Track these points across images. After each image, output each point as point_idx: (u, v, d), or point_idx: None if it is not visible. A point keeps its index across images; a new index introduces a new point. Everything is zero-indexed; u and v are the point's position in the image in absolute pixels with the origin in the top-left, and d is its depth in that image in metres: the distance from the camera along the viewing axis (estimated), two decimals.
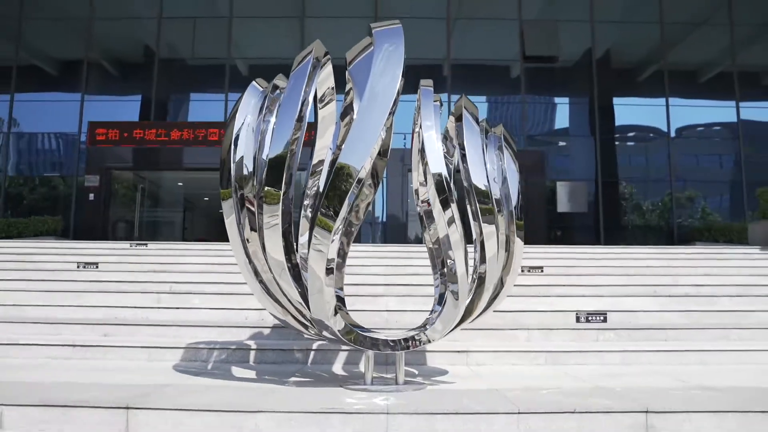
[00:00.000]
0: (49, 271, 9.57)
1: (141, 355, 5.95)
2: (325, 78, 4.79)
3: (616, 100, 19.95)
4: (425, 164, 4.22)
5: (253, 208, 4.26)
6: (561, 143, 19.75)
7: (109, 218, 18.00)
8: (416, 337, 4.48)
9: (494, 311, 6.15)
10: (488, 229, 4.19)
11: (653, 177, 19.49)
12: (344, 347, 5.32)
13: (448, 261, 4.27)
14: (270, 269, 4.27)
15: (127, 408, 3.79)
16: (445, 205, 4.03)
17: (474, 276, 4.44)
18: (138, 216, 18.51)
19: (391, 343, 4.45)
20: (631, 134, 19.96)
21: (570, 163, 19.57)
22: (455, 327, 4.54)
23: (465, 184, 4.23)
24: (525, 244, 11.35)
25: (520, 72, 19.14)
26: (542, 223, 17.79)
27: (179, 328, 6.66)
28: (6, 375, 4.98)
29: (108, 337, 6.48)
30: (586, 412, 3.81)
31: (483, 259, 4.31)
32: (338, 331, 4.32)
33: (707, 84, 20.13)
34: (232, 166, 4.32)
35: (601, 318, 7.21)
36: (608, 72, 19.72)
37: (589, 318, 7.19)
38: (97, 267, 10.01)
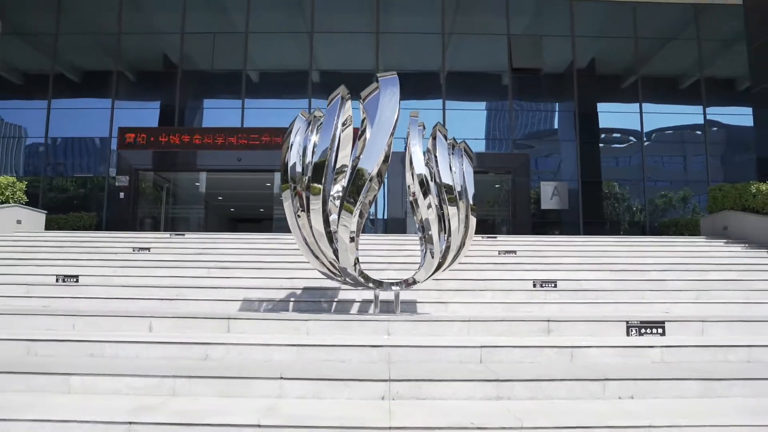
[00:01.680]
0: (112, 254, 12.12)
1: (215, 306, 8.48)
2: (347, 110, 7.32)
3: (595, 107, 22.48)
4: (411, 168, 6.75)
5: (302, 196, 6.78)
6: (546, 146, 22.24)
7: (137, 214, 20.53)
8: (408, 280, 7.02)
9: (470, 279, 8.86)
10: (452, 211, 6.70)
11: (629, 177, 22.03)
12: (359, 288, 7.78)
13: (428, 232, 6.79)
14: (313, 236, 6.80)
15: (228, 318, 6.32)
16: (425, 195, 6.56)
17: (445, 241, 6.96)
18: (163, 212, 21.01)
19: (392, 283, 6.99)
20: (609, 138, 22.47)
21: (554, 165, 22.07)
22: (433, 273, 7.07)
23: (437, 181, 6.74)
24: (512, 234, 14.52)
25: (509, 81, 21.68)
26: (528, 219, 20.35)
27: (232, 290, 9.17)
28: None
29: (190, 296, 9.01)
30: (512, 321, 6.34)
31: (449, 231, 6.82)
32: (357, 275, 6.86)
33: (678, 92, 22.71)
34: (289, 168, 6.84)
35: (553, 285, 9.69)
36: (588, 81, 22.24)
37: (543, 284, 9.66)
38: (149, 251, 12.60)
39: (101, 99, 21.45)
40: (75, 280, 9.84)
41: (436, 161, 6.77)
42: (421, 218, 7.27)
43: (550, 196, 20.76)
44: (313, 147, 6.80)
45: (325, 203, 6.68)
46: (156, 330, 6.36)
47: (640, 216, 21.57)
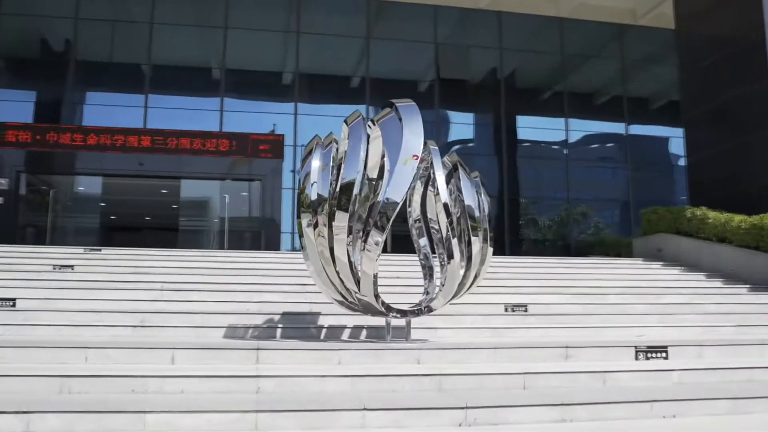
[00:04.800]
0: (33, 272, 11.93)
1: (199, 333, 8.83)
2: (372, 136, 8.07)
3: (520, 120, 24.37)
4: (437, 196, 7.60)
5: (324, 222, 7.40)
6: (470, 160, 23.75)
7: (19, 223, 19.78)
8: (426, 307, 7.85)
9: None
10: (474, 239, 7.61)
11: (553, 194, 24.07)
12: (372, 315, 8.43)
13: (450, 255, 7.66)
14: (334, 265, 7.44)
15: (258, 349, 6.84)
16: (450, 223, 7.42)
17: (464, 269, 7.86)
18: (49, 221, 20.35)
19: (413, 311, 7.79)
20: (533, 152, 24.41)
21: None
22: (450, 299, 7.94)
23: (460, 210, 7.63)
24: None
25: (435, 90, 23.03)
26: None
27: (204, 315, 9.50)
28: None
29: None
30: (533, 347, 7.34)
31: (469, 257, 7.72)
32: (379, 306, 7.59)
33: (601, 107, 25.16)
34: (309, 195, 7.44)
35: (524, 309, 10.84)
36: (514, 93, 24.08)
37: (515, 309, 10.79)
38: (72, 269, 12.51)
39: None
40: (12, 303, 9.76)
41: (461, 191, 7.64)
42: (427, 250, 8.17)
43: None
44: (337, 173, 7.44)
45: (350, 233, 7.34)
46: (179, 361, 6.74)
47: (566, 233, 23.59)
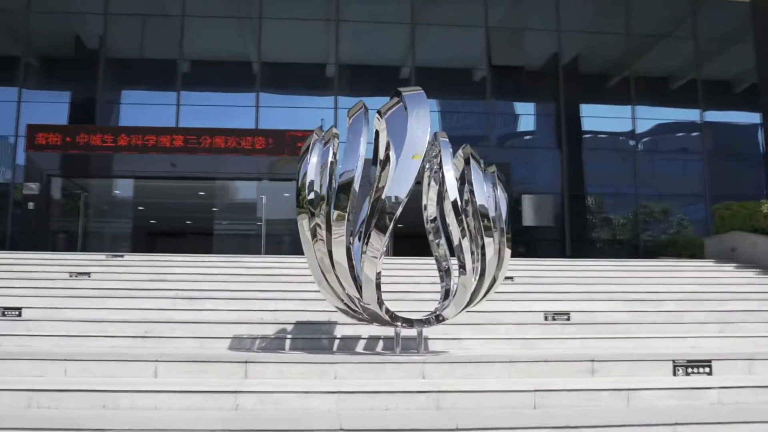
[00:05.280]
0: (47, 280, 12.21)
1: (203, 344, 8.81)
2: (368, 127, 7.87)
3: (583, 109, 23.71)
4: (445, 193, 7.34)
5: (321, 224, 7.25)
6: (527, 153, 23.31)
7: (50, 229, 20.36)
8: (437, 317, 7.60)
9: (476, 312, 9.54)
10: (488, 241, 7.32)
11: (620, 189, 23.34)
12: (376, 325, 8.26)
13: (461, 260, 7.39)
14: (333, 269, 7.28)
15: (246, 362, 6.74)
16: (459, 222, 7.16)
17: (478, 274, 7.57)
18: (81, 227, 20.88)
19: (422, 320, 7.56)
20: (597, 144, 23.72)
21: (536, 175, 23.13)
22: (464, 308, 7.67)
23: (472, 209, 7.35)
24: None
25: (487, 79, 22.63)
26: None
27: (211, 325, 9.50)
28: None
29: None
30: (555, 361, 7.01)
31: (483, 261, 7.43)
32: (383, 314, 7.38)
33: (674, 93, 24.22)
34: (306, 193, 7.30)
35: (566, 317, 10.45)
36: (575, 80, 23.45)
37: (555, 317, 10.42)
38: (89, 276, 12.75)
39: (5, 88, 21.16)
40: (18, 313, 9.96)
41: (472, 187, 7.37)
42: (444, 251, 7.89)
43: (532, 211, 21.76)
44: (334, 170, 7.29)
45: (350, 234, 7.17)
46: (162, 375, 6.70)
47: (634, 233, 22.82)
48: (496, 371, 6.90)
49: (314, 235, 7.34)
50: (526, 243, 21.98)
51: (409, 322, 7.62)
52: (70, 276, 12.69)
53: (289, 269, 14.06)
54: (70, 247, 20.42)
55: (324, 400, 5.99)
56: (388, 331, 8.38)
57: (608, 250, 22.54)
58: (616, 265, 15.69)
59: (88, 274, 12.81)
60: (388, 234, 7.05)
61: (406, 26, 22.83)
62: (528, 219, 21.74)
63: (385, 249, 7.25)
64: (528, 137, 23.70)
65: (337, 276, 7.32)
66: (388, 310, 7.48)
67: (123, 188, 22.20)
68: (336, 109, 21.87)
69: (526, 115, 23.91)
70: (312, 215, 7.30)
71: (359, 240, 7.21)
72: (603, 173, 23.61)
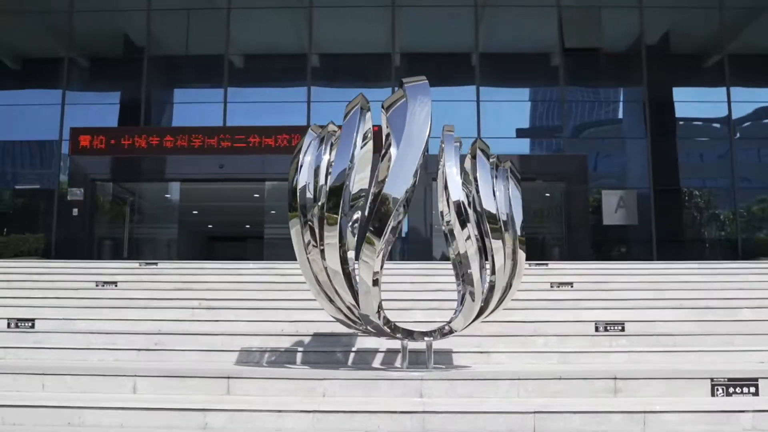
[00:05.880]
0: (70, 290, 12.67)
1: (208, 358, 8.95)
2: (368, 122, 7.79)
3: (671, 93, 22.89)
4: (447, 193, 7.19)
5: (314, 228, 7.23)
6: (608, 145, 22.66)
7: (95, 236, 21.12)
8: (443, 329, 7.46)
9: (516, 321, 9.34)
10: (497, 245, 7.12)
11: (715, 182, 22.38)
12: (384, 338, 8.20)
13: (467, 270, 7.23)
14: (328, 276, 7.24)
15: (228, 378, 6.78)
16: (462, 225, 6.99)
17: (488, 281, 7.38)
18: (126, 233, 21.60)
19: (424, 333, 7.43)
20: (689, 132, 22.84)
21: (617, 168, 22.47)
22: (473, 320, 7.49)
23: (478, 209, 7.18)
24: (565, 260, 15.17)
25: (560, 64, 22.13)
26: (585, 237, 20.73)
27: (224, 337, 9.64)
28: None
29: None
30: (571, 378, 6.76)
31: (493, 268, 7.24)
32: (381, 324, 7.30)
33: None
34: (298, 194, 7.29)
35: (619, 327, 10.08)
36: (662, 61, 22.66)
37: (608, 327, 10.07)
38: (115, 286, 13.15)
39: (49, 91, 22.10)
40: (31, 325, 10.34)
41: (477, 185, 7.20)
42: (458, 253, 7.71)
43: (614, 208, 21.14)
44: (328, 168, 7.25)
45: (342, 236, 7.12)
46: (141, 391, 6.82)
47: (732, 231, 21.86)
48: (503, 390, 6.70)
49: (307, 240, 7.32)
50: (606, 244, 21.39)
51: (410, 334, 7.50)
52: (97, 285, 13.13)
53: None
54: (116, 254, 21.14)
55: (299, 419, 5.95)
56: (411, 345, 8.28)
57: (701, 250, 21.65)
58: (698, 268, 15.08)
59: (114, 283, 13.21)
60: (385, 236, 6.95)
61: (469, 9, 22.57)
62: (608, 217, 21.13)
63: (383, 252, 7.17)
64: (607, 127, 23.05)
65: (332, 284, 7.28)
66: (387, 321, 7.38)
67: (170, 192, 22.80)
68: None
69: (605, 102, 23.25)
70: (305, 219, 7.28)
71: (355, 244, 7.15)
72: (695, 164, 22.77)
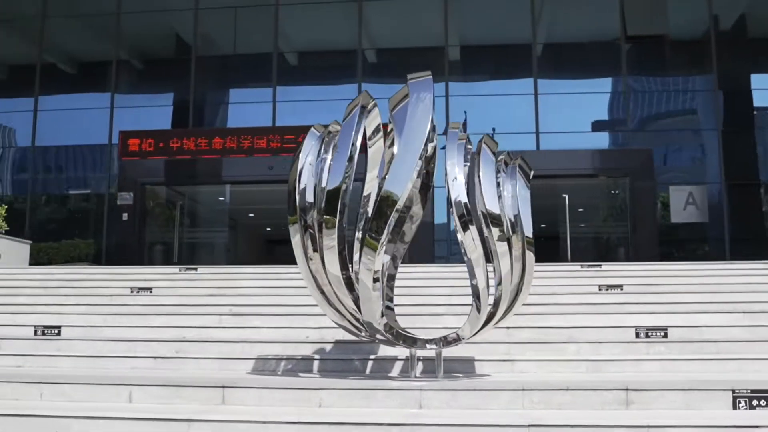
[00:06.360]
0: (103, 297, 13.00)
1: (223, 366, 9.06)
2: (372, 120, 7.76)
3: (745, 81, 22.10)
4: (449, 194, 7.10)
5: (314, 232, 7.23)
6: (675, 138, 22.02)
7: (145, 240, 21.66)
8: (448, 337, 7.37)
9: (552, 327, 9.18)
10: (502, 248, 6.98)
11: None
12: (388, 345, 8.14)
13: (473, 277, 7.12)
14: (329, 282, 7.24)
15: (224, 387, 6.84)
16: (464, 227, 6.88)
17: (495, 287, 7.25)
18: (176, 237, 22.06)
19: (426, 341, 7.35)
20: (764, 122, 22.01)
21: (686, 162, 21.82)
22: (481, 328, 7.36)
23: (480, 209, 7.04)
24: (631, 260, 14.75)
25: (622, 53, 21.62)
26: (651, 236, 20.21)
27: (244, 345, 9.73)
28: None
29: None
30: (580, 389, 6.57)
31: (499, 274, 7.11)
32: (384, 331, 7.25)
33: None
34: (297, 197, 7.31)
35: (662, 333, 9.77)
36: (735, 47, 21.91)
37: (649, 333, 9.77)
38: (150, 292, 13.43)
39: (98, 95, 22.75)
40: (57, 332, 10.66)
41: (480, 184, 7.07)
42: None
43: (683, 205, 20.54)
44: (327, 170, 7.24)
45: (342, 239, 7.10)
46: (136, 400, 6.94)
47: None
48: (506, 401, 6.55)
49: (308, 245, 7.33)
50: (674, 243, 20.80)
51: (414, 342, 7.42)
52: (132, 292, 13.43)
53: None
54: (167, 259, 21.61)
55: (286, 430, 5.96)
56: (430, 352, 8.20)
57: None
58: (764, 268, 14.49)
59: (150, 289, 13.49)
60: (385, 237, 6.89)
61: None
62: (676, 215, 20.54)
63: (386, 255, 7.13)
64: (674, 118, 22.38)
65: (333, 289, 7.27)
66: (390, 327, 7.33)
67: (220, 195, 23.19)
68: (447, 97, 21.71)
69: (672, 93, 22.57)
70: (304, 222, 7.29)
71: (357, 247, 7.13)
72: None
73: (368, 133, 7.76)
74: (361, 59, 22.40)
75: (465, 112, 21.52)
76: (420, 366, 8.59)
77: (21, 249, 17.10)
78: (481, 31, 22.73)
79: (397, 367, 8.76)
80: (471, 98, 21.78)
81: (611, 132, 21.74)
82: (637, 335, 9.70)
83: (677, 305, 11.25)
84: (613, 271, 14.44)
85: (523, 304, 10.84)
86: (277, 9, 22.63)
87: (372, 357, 8.87)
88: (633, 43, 21.69)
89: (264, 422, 6.00)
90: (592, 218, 22.12)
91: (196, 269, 15.65)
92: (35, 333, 10.57)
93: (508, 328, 9.75)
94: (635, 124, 21.58)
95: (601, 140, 21.80)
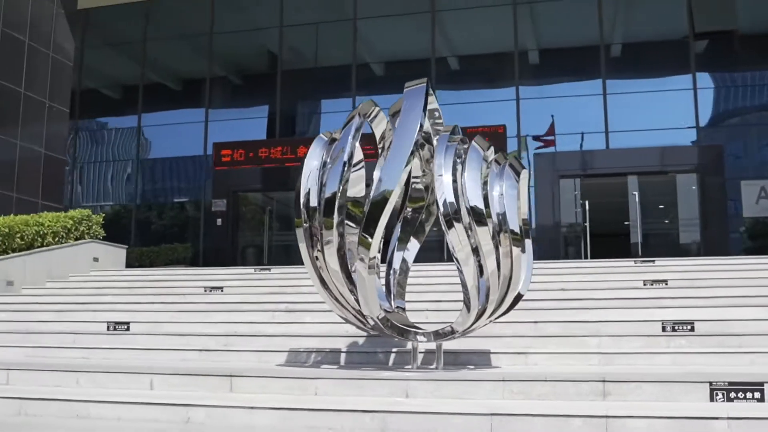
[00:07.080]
0: (176, 295, 13.61)
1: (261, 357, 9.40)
2: (379, 122, 7.96)
3: None
4: (435, 191, 7.19)
5: (318, 233, 7.45)
6: (746, 133, 21.07)
7: (238, 244, 22.44)
8: (442, 331, 7.44)
9: (578, 321, 9.30)
10: (487, 246, 6.99)
11: None
12: (386, 338, 8.25)
13: (462, 274, 7.17)
14: (332, 279, 7.44)
15: (231, 376, 7.15)
16: (449, 225, 6.93)
17: (485, 283, 7.27)
18: (266, 240, 22.73)
19: (417, 333, 7.46)
20: None
21: (758, 157, 20.84)
22: (474, 323, 7.38)
23: (465, 206, 7.07)
24: (699, 255, 14.23)
25: (690, 50, 20.86)
26: (723, 232, 19.44)
27: (284, 338, 10.04)
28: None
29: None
30: (559, 381, 6.52)
31: (487, 270, 7.10)
32: (381, 323, 7.39)
33: None
34: (302, 200, 7.55)
35: (689, 327, 9.47)
36: None
37: (676, 327, 9.50)
38: (221, 291, 13.95)
39: (194, 110, 23.73)
40: (126, 327, 11.26)
41: (464, 180, 7.09)
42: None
43: (755, 199, 19.65)
44: (327, 175, 7.45)
45: (342, 239, 7.28)
46: (156, 387, 7.35)
47: None
48: (487, 391, 6.59)
49: (312, 243, 7.55)
50: (750, 239, 19.92)
51: (405, 334, 7.53)
52: (205, 291, 13.98)
53: (426, 276, 14.08)
54: (258, 261, 22.29)
55: (270, 416, 6.20)
56: (447, 345, 8.26)
57: None
58: None
59: (221, 288, 14.01)
60: (378, 233, 7.03)
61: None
62: (748, 210, 19.67)
63: (380, 250, 7.29)
64: (746, 115, 21.40)
65: (335, 284, 7.47)
66: (386, 320, 7.45)
67: None
68: (518, 101, 21.50)
69: (742, 88, 21.58)
70: (309, 222, 7.52)
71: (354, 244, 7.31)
72: None
73: (377, 134, 7.99)
74: (434, 67, 22.47)
75: (552, 116, 21.35)
76: (422, 357, 8.66)
77: (118, 253, 18.02)
78: (549, 34, 22.46)
79: (419, 359, 8.85)
80: (543, 101, 21.49)
81: (680, 129, 20.96)
82: (664, 329, 9.46)
83: (714, 299, 10.85)
84: (663, 266, 13.99)
85: (556, 300, 10.98)
86: (354, 23, 23.01)
87: (394, 350, 8.98)
88: (701, 40, 20.90)
89: (251, 408, 6.28)
90: (662, 215, 21.44)
91: (269, 269, 16.12)
92: (107, 328, 11.15)
93: (536, 322, 9.73)
94: (705, 121, 20.77)
95: (670, 137, 21.03)
